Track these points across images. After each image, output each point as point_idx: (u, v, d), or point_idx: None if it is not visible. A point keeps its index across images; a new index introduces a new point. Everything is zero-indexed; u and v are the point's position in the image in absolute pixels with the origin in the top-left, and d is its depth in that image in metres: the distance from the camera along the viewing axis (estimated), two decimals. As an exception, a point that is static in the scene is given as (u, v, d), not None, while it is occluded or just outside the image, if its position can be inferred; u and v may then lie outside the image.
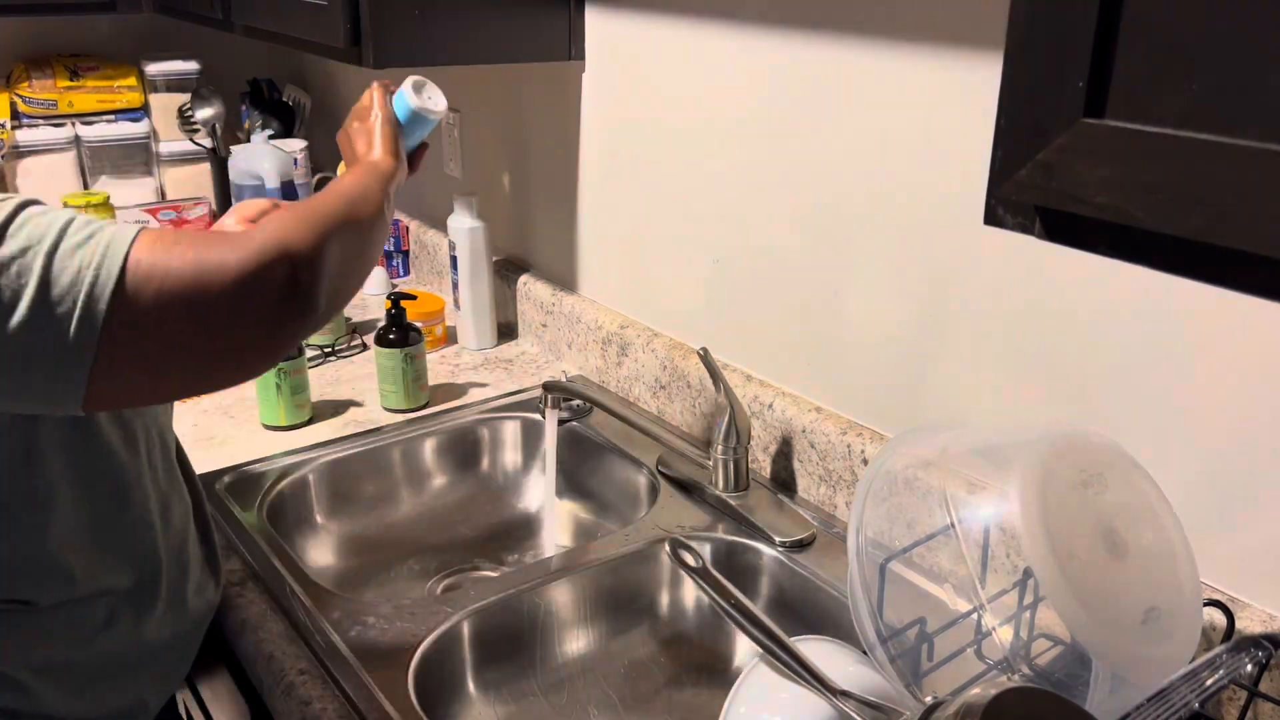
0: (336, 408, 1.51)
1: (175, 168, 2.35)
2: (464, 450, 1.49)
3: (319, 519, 1.38)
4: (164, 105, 2.31)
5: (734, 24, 1.24)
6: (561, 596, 1.14)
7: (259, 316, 0.74)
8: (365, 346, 1.72)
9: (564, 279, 1.68)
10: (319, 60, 2.38)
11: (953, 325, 1.08)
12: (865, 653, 0.81)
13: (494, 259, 1.76)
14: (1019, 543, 0.74)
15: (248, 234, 0.75)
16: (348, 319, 1.78)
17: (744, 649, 1.17)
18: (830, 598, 1.10)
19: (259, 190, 1.97)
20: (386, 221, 0.96)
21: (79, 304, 0.68)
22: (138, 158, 2.31)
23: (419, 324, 1.54)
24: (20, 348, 0.68)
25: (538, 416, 1.46)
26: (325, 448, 1.39)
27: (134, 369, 0.72)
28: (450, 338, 1.77)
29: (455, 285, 1.71)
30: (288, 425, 1.43)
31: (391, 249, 2.07)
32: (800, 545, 1.16)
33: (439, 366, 1.65)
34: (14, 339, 0.68)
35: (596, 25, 1.47)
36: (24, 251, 0.68)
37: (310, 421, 1.45)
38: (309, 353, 1.58)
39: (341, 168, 1.09)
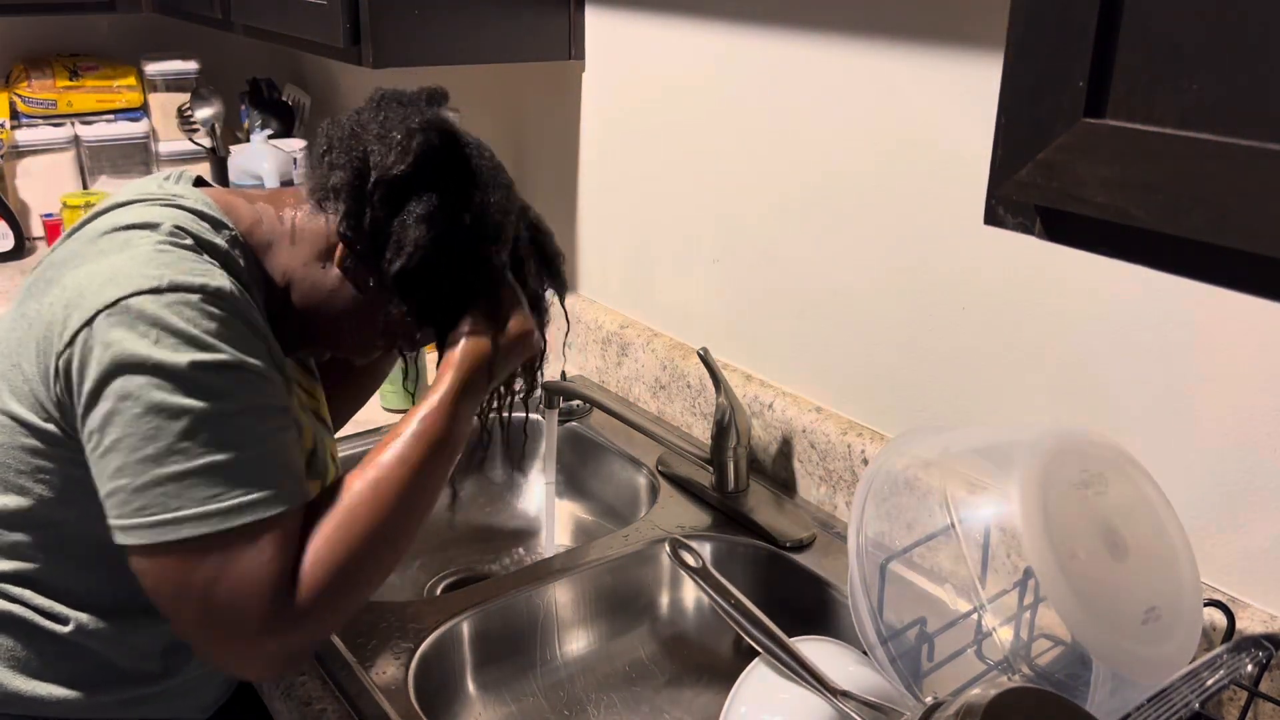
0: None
1: (175, 167, 2.35)
2: (464, 450, 1.49)
3: (319, 519, 1.38)
4: (163, 105, 2.31)
5: (734, 23, 1.24)
6: (561, 596, 1.14)
7: (241, 667, 0.81)
8: (365, 346, 1.72)
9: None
10: (319, 60, 2.38)
11: (953, 325, 1.07)
12: (865, 653, 0.81)
13: (494, 259, 1.76)
14: (1019, 543, 0.74)
15: (298, 608, 0.77)
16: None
17: (744, 649, 1.17)
18: (830, 598, 1.10)
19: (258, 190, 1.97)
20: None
21: (178, 509, 0.75)
22: (137, 157, 2.31)
23: (419, 324, 1.54)
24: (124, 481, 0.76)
25: (538, 416, 1.46)
26: (325, 448, 1.39)
27: (153, 588, 0.78)
28: (450, 338, 1.77)
29: (455, 285, 1.71)
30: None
31: (391, 249, 2.07)
32: (800, 545, 1.16)
33: (439, 366, 1.65)
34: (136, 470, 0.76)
35: (596, 25, 1.47)
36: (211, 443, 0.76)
37: (310, 421, 1.45)
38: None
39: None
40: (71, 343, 0.76)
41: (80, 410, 0.77)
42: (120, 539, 0.76)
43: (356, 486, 0.82)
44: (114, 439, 0.75)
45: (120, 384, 0.74)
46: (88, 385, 0.76)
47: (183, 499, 0.74)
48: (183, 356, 0.74)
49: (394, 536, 0.83)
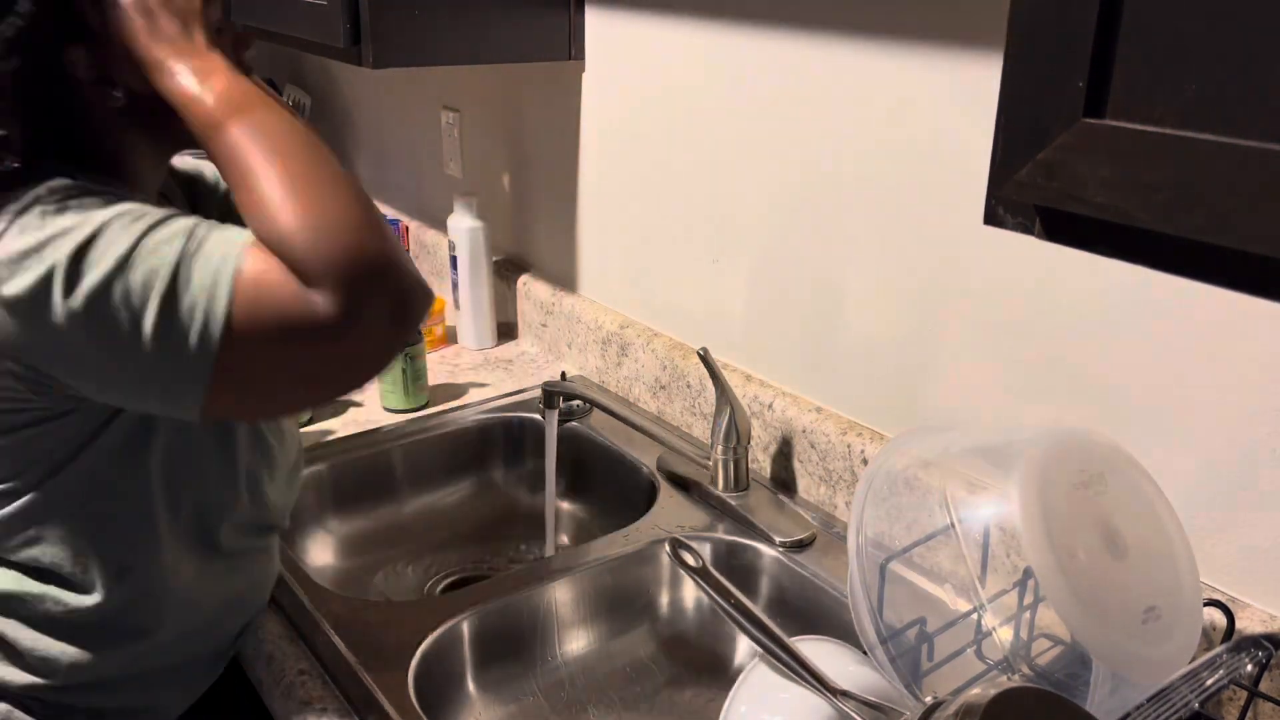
0: (336, 408, 1.51)
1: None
2: (464, 450, 1.49)
3: (319, 518, 1.38)
4: (164, 105, 2.31)
5: (734, 24, 1.24)
6: (561, 596, 1.14)
7: (365, 343, 0.75)
8: (365, 346, 1.72)
9: (564, 279, 1.68)
10: (319, 60, 2.38)
11: (953, 325, 1.07)
12: (865, 653, 0.81)
13: (494, 259, 1.76)
14: (1019, 543, 0.74)
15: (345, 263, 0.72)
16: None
17: (744, 649, 1.17)
18: (830, 598, 1.10)
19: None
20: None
21: (195, 328, 0.72)
22: (137, 158, 2.30)
23: (419, 324, 1.54)
24: (143, 363, 0.73)
25: (538, 416, 1.46)
26: (325, 448, 1.39)
27: (247, 386, 0.76)
28: (450, 338, 1.77)
29: (455, 285, 1.71)
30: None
31: (391, 249, 2.07)
32: (800, 545, 1.16)
33: (439, 366, 1.65)
34: (137, 357, 0.73)
35: (596, 25, 1.47)
36: (149, 275, 0.71)
37: (310, 421, 1.45)
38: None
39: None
40: None
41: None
42: (189, 406, 0.74)
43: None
44: (88, 362, 0.74)
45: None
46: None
47: (183, 320, 0.71)
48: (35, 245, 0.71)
49: (315, 171, 0.76)
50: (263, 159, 0.75)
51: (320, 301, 0.71)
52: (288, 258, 0.72)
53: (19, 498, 0.85)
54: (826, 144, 1.16)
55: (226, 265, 0.72)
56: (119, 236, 0.73)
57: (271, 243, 0.72)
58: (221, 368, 0.73)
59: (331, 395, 0.83)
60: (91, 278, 0.71)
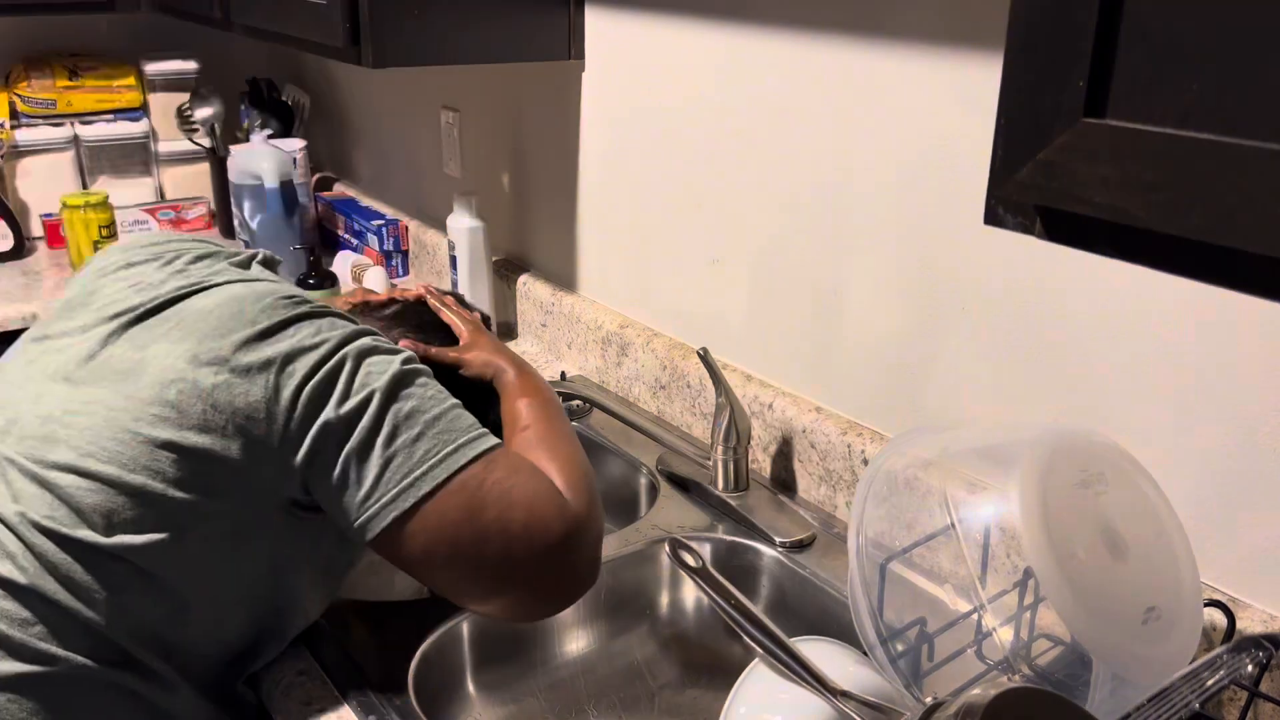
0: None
1: (174, 167, 2.35)
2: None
3: (319, 519, 1.38)
4: (163, 105, 2.31)
5: (735, 23, 1.24)
6: (561, 596, 1.14)
7: (558, 588, 0.89)
8: (365, 346, 1.72)
9: (564, 279, 1.68)
10: (318, 60, 2.38)
11: (953, 325, 1.07)
12: (865, 653, 0.81)
13: (494, 259, 1.76)
14: (1019, 543, 0.74)
15: (575, 507, 0.89)
16: (347, 319, 1.77)
17: (744, 649, 1.17)
18: (830, 598, 1.10)
19: (258, 190, 1.97)
20: None
21: (412, 474, 0.83)
22: (136, 157, 2.31)
23: (419, 324, 1.54)
24: (367, 468, 0.83)
25: (537, 416, 1.46)
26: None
27: (433, 540, 0.84)
28: (450, 338, 1.77)
29: (455, 285, 1.71)
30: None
31: (391, 249, 2.07)
32: (800, 545, 1.16)
33: (439, 366, 1.65)
34: (365, 460, 0.83)
35: (596, 25, 1.47)
36: (415, 410, 0.85)
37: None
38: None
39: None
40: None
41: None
42: (369, 526, 0.83)
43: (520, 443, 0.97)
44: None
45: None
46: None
47: (447, 435, 0.84)
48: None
49: (577, 451, 0.96)
50: (547, 439, 0.96)
51: (573, 503, 0.87)
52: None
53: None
54: (826, 143, 1.16)
55: (474, 442, 0.86)
56: (391, 360, 0.87)
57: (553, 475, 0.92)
58: (427, 511, 0.83)
59: (516, 600, 0.90)
60: (375, 385, 0.84)
